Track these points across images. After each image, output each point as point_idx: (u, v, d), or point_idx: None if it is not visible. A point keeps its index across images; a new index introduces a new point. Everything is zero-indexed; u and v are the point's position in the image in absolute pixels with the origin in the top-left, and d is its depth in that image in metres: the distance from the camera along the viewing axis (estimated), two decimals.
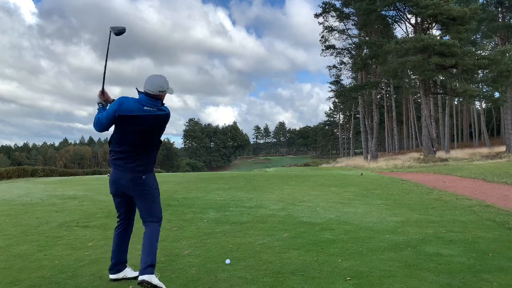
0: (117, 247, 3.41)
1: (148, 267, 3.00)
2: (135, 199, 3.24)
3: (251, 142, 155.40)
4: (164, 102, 3.25)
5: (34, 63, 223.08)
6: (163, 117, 3.18)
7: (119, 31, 3.50)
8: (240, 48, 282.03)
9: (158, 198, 3.31)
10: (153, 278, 2.96)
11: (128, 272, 3.41)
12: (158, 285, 2.95)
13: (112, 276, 3.36)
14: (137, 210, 3.40)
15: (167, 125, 3.36)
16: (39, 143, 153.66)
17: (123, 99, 3.11)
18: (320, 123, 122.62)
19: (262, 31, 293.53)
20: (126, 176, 3.15)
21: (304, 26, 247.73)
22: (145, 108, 3.07)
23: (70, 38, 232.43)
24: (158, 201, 3.31)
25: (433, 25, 32.06)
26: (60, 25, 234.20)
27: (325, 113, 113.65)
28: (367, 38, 37.12)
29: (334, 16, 39.49)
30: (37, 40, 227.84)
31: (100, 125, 3.13)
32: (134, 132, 3.09)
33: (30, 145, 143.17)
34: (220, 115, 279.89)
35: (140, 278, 2.95)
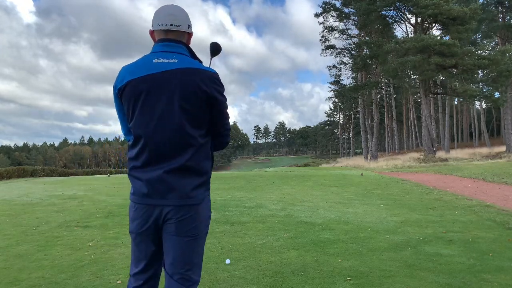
0: None
1: None
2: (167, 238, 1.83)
3: (251, 142, 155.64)
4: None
5: (33, 62, 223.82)
6: (194, 74, 1.73)
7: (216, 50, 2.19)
8: (241, 47, 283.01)
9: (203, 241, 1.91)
10: None
11: None
12: None
13: None
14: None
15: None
16: (39, 143, 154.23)
17: (122, 68, 1.83)
18: (320, 123, 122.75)
19: (263, 29, 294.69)
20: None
21: (304, 24, 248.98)
22: (154, 61, 1.75)
23: (69, 37, 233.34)
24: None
25: (433, 25, 32.09)
26: (59, 24, 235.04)
27: (325, 113, 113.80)
28: (367, 38, 37.15)
29: (334, 16, 39.57)
30: (35, 39, 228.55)
31: (122, 126, 1.94)
32: (148, 109, 1.74)
33: (30, 145, 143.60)
34: None
35: None
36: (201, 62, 1.86)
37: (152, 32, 1.88)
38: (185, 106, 1.72)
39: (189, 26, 1.88)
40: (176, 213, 1.75)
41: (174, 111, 1.72)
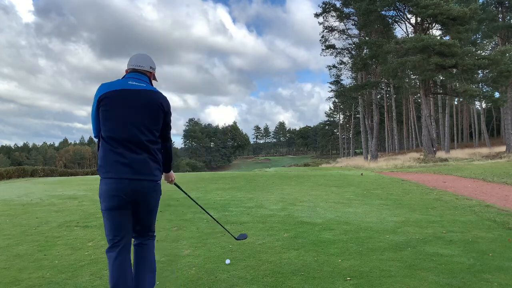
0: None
1: None
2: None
3: (251, 142, 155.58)
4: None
5: (32, 62, 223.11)
6: (156, 95, 2.60)
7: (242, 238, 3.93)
8: (241, 47, 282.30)
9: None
10: None
11: None
12: None
13: None
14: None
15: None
16: (39, 143, 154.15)
17: (102, 84, 2.61)
18: (320, 123, 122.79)
19: (263, 29, 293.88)
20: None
21: (305, 24, 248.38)
22: (129, 83, 2.58)
23: (68, 37, 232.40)
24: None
25: (433, 25, 32.07)
26: (58, 23, 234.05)
27: (325, 113, 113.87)
28: (367, 38, 37.14)
29: (334, 16, 39.57)
30: (34, 39, 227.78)
31: (93, 129, 2.65)
32: (121, 107, 2.52)
33: (30, 145, 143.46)
34: (220, 115, 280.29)
35: None
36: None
37: (126, 70, 2.75)
38: (150, 115, 2.55)
39: (151, 67, 2.78)
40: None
41: (141, 118, 2.53)
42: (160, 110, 2.58)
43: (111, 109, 2.49)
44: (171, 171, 2.99)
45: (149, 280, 2.63)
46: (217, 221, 3.96)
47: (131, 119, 2.48)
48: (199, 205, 3.71)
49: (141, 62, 2.73)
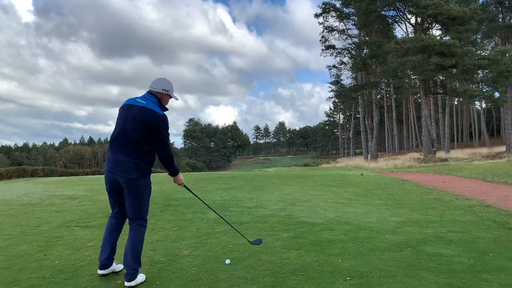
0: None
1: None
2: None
3: (251, 142, 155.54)
4: (167, 107, 3.49)
5: (32, 62, 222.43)
6: (148, 113, 3.22)
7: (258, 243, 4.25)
8: (241, 46, 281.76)
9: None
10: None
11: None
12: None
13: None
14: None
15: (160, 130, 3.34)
16: (39, 143, 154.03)
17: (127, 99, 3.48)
18: (320, 123, 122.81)
19: (263, 28, 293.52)
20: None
21: (305, 23, 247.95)
22: (137, 100, 3.34)
23: (68, 36, 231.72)
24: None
25: (433, 25, 32.05)
26: (58, 23, 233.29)
27: (325, 113, 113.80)
28: (367, 38, 37.12)
29: (334, 16, 39.53)
30: (34, 39, 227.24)
31: None
32: (123, 118, 3.31)
33: (30, 145, 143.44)
34: (220, 115, 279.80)
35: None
36: (165, 109, 3.42)
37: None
38: (137, 127, 3.20)
39: (163, 89, 3.41)
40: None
41: (130, 128, 3.21)
42: (147, 125, 3.19)
43: (117, 118, 3.34)
44: (179, 175, 3.58)
45: (131, 254, 3.29)
46: (231, 225, 4.35)
47: (124, 128, 3.23)
48: (213, 210, 4.20)
49: (155, 84, 3.41)
